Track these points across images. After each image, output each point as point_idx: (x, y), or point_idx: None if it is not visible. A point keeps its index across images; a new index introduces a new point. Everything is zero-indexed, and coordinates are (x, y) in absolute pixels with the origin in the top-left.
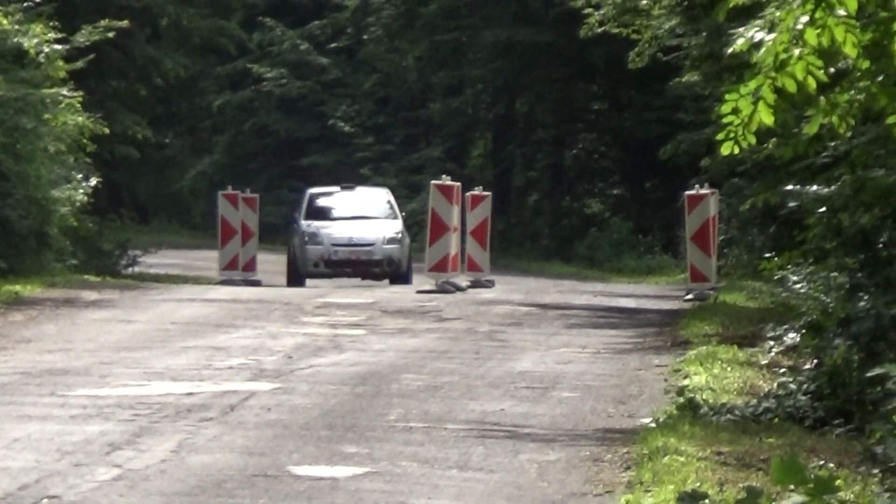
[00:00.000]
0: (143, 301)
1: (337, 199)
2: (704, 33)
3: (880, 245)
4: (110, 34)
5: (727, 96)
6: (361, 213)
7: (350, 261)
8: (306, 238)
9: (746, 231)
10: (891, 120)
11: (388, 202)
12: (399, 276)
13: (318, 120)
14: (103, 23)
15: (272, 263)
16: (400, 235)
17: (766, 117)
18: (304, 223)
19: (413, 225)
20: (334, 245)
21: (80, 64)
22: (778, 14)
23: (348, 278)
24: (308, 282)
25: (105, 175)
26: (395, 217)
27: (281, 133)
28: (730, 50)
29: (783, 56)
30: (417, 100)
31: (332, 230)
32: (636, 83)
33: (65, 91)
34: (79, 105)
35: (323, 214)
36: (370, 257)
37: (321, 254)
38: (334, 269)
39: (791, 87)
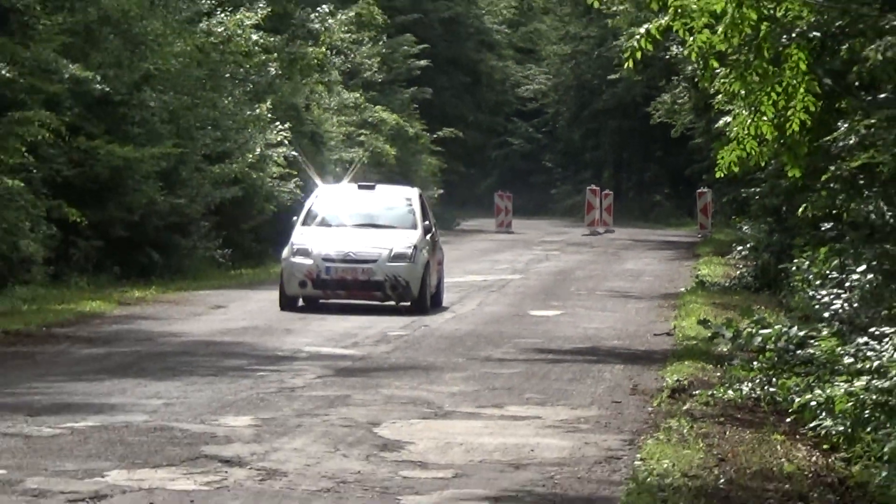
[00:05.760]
0: (465, 238)
1: (347, 200)
2: None
3: None
4: None
5: None
6: (371, 221)
7: (344, 281)
8: (295, 249)
9: None
10: None
11: (410, 207)
12: (407, 301)
13: None
14: None
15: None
16: (411, 250)
17: None
18: (297, 230)
19: None
20: (325, 260)
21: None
22: None
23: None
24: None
25: None
26: (415, 227)
27: None
28: None
29: None
30: None
31: (327, 241)
32: None
33: None
34: None
35: (324, 220)
36: (369, 277)
37: (308, 270)
38: (324, 289)
39: None
